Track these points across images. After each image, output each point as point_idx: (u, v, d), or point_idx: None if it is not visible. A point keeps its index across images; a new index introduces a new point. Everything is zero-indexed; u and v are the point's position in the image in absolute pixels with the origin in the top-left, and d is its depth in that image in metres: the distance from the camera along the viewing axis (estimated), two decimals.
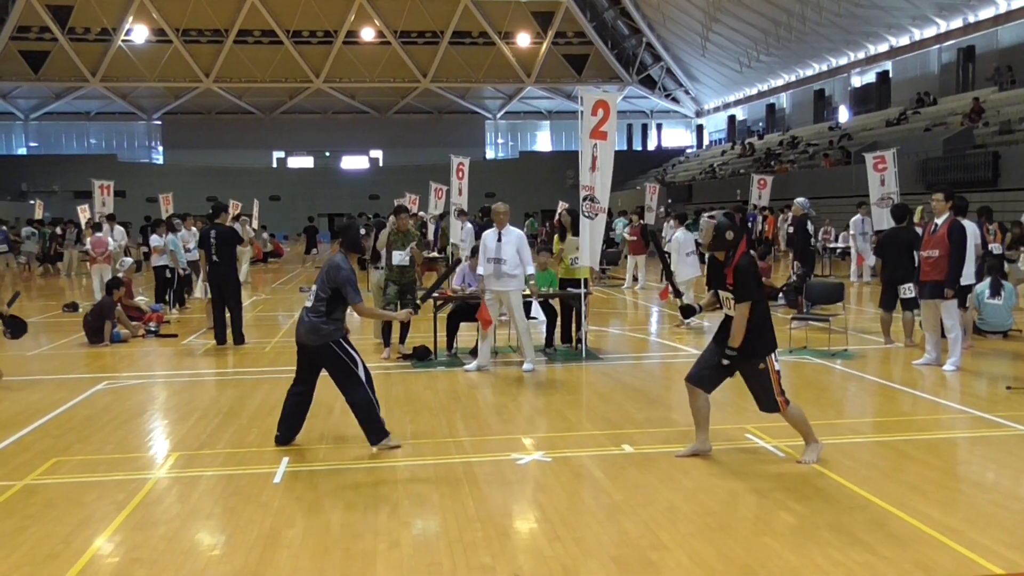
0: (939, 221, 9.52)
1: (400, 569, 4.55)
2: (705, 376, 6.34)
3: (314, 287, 6.82)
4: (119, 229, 21.53)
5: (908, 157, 25.68)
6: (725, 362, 6.16)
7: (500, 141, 66.58)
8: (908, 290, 10.56)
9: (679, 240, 13.46)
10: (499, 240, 9.85)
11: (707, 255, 6.42)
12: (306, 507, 5.52)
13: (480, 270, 10.01)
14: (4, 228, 27.15)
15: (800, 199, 14.80)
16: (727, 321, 6.20)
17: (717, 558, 4.60)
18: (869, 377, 9.45)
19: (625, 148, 60.54)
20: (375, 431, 6.71)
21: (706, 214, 6.35)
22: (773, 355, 6.14)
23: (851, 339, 11.50)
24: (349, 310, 6.89)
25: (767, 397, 6.22)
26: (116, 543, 4.98)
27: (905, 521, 5.06)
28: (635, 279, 20.07)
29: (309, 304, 6.75)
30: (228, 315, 12.24)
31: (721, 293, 6.28)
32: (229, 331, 12.22)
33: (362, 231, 7.71)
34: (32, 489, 5.96)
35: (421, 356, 10.70)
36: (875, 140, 32.00)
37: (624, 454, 6.57)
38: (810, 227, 13.69)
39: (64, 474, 6.31)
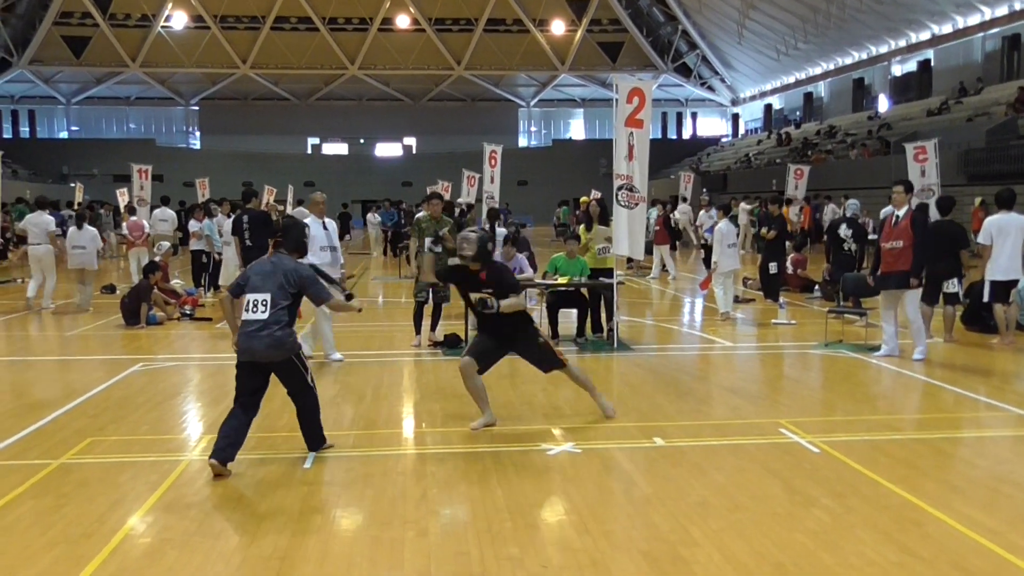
0: (900, 213, 9.74)
1: (427, 557, 4.54)
2: (486, 359, 7.06)
3: (262, 296, 5.98)
4: (168, 211, 21.52)
5: (950, 148, 25.19)
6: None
7: (533, 129, 66.36)
8: (952, 284, 10.48)
9: (721, 231, 13.23)
10: (325, 229, 9.78)
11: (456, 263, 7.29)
12: (335, 493, 5.53)
13: (314, 259, 9.13)
14: (63, 212, 27.37)
15: (852, 200, 14.65)
16: (485, 319, 7.01)
17: (748, 554, 4.53)
18: (907, 372, 9.28)
19: (659, 137, 60.05)
20: (317, 438, 6.34)
21: (468, 229, 7.31)
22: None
23: None
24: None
25: (551, 359, 7.15)
26: (148, 523, 5.03)
27: (943, 521, 4.96)
28: (664, 269, 19.81)
29: (264, 316, 5.93)
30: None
31: (474, 295, 6.94)
32: None
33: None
34: (68, 468, 6.04)
35: (451, 344, 10.69)
36: (915, 130, 31.44)
37: (655, 447, 6.51)
38: (843, 231, 13.48)
39: (99, 454, 6.39)
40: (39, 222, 14.60)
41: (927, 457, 6.25)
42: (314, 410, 6.31)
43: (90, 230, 15.03)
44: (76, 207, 32.72)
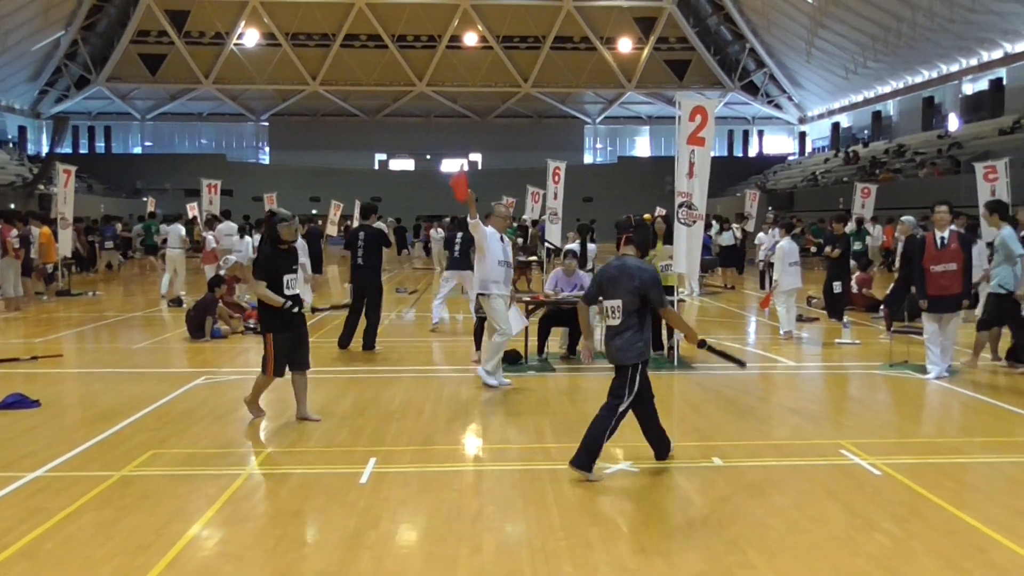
0: (944, 235, 9.53)
1: (481, 575, 4.54)
2: None
3: (614, 303, 6.15)
4: (232, 224, 22.06)
5: (1022, 167, 24.41)
6: None
7: (599, 146, 66.35)
8: None
9: (784, 249, 12.99)
10: (502, 242, 9.65)
11: None
12: (391, 509, 5.55)
13: (493, 274, 9.39)
14: (115, 225, 28.46)
15: (908, 217, 14.17)
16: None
17: None
18: (974, 395, 8.98)
19: (726, 154, 59.50)
20: (663, 442, 6.50)
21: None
22: None
23: (956, 354, 10.96)
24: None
25: None
26: (205, 537, 5.09)
27: (1009, 549, 4.79)
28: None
29: (617, 321, 6.15)
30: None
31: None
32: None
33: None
34: (128, 480, 6.12)
35: (512, 360, 10.67)
36: (987, 149, 30.61)
37: (714, 467, 6.42)
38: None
39: (160, 466, 6.47)
40: (176, 231, 19.38)
41: (995, 482, 6.05)
42: (602, 426, 6.12)
43: (247, 239, 17.61)
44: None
